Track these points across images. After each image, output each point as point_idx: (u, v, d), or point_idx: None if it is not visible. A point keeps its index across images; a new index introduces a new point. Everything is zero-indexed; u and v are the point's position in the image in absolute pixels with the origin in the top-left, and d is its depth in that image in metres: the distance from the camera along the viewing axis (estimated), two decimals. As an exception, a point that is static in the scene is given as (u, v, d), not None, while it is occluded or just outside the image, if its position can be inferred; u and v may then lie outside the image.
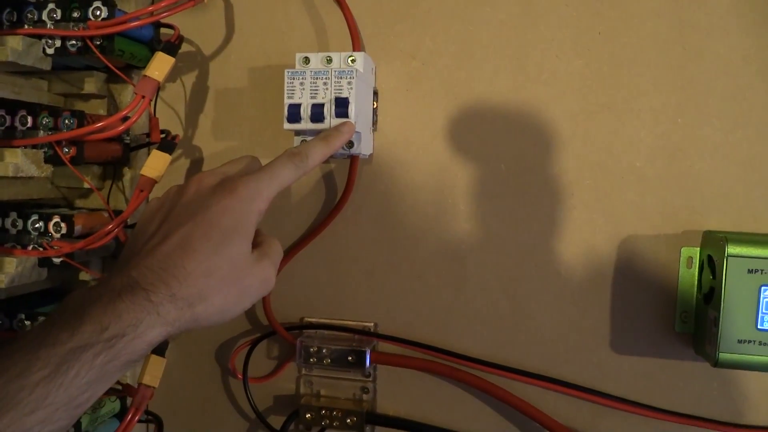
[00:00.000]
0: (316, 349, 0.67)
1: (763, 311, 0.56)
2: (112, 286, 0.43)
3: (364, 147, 0.64)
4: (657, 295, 0.63)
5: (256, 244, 0.50)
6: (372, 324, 0.69)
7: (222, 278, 0.46)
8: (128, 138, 0.70)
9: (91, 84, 0.69)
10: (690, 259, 0.62)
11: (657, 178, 0.62)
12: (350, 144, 0.61)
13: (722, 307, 0.56)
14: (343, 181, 0.67)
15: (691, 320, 0.62)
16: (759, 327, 0.56)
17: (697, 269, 0.62)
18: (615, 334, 0.64)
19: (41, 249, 0.62)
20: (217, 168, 0.52)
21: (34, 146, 0.61)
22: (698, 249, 0.62)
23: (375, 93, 0.67)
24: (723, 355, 0.57)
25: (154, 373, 0.64)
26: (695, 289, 0.62)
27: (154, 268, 0.44)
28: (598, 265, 0.64)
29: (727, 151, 0.61)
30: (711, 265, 0.59)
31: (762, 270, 0.56)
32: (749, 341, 0.56)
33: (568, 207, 0.64)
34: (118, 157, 0.69)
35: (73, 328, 0.40)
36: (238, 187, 0.48)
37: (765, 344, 0.56)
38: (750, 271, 0.56)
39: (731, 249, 0.56)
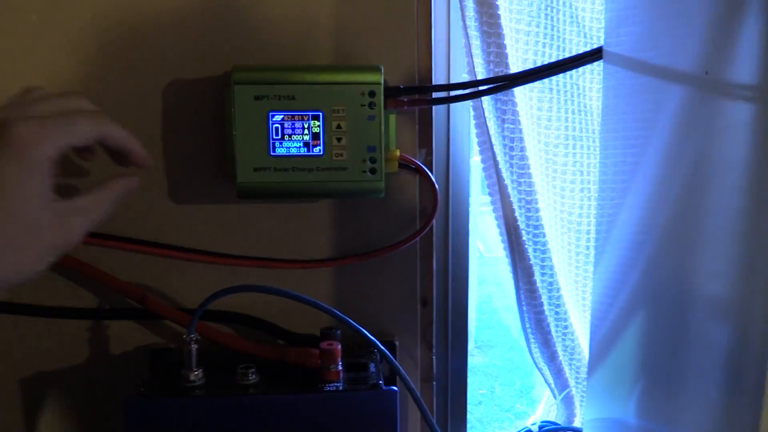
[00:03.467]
0: None
1: (274, 137, 0.56)
2: None
3: None
4: (208, 140, 0.62)
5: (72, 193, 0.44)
6: None
7: (9, 238, 0.40)
8: None
9: None
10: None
11: (194, 19, 0.60)
12: None
13: (236, 136, 0.56)
14: None
15: (242, 162, 0.62)
16: (272, 153, 0.57)
17: (240, 109, 0.61)
18: (172, 183, 0.63)
19: None
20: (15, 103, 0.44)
21: None
22: (240, 89, 0.61)
23: None
24: (242, 185, 0.57)
25: None
26: (242, 130, 0.61)
27: None
28: (145, 113, 0.61)
29: (257, -14, 0.60)
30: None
31: (268, 96, 0.56)
32: (265, 168, 0.57)
33: (108, 52, 0.61)
34: None
35: None
36: (20, 130, 0.41)
37: (279, 170, 0.57)
38: (257, 98, 0.56)
39: (237, 76, 0.56)
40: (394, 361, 0.57)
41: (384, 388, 0.55)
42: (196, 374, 0.56)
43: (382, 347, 0.57)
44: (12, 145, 0.40)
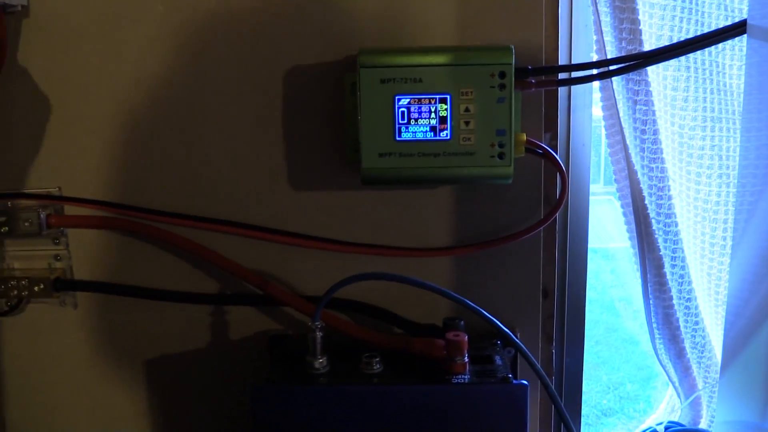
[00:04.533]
0: (-9, 218, 0.64)
1: (400, 121, 0.55)
2: None
3: (5, -8, 0.59)
4: (328, 126, 0.61)
5: None
6: (56, 188, 0.65)
7: None
8: None
9: None
10: (354, 85, 0.60)
11: (314, 2, 0.59)
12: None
13: (361, 121, 0.55)
14: None
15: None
16: (397, 138, 0.55)
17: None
18: (291, 170, 0.62)
19: None
20: None
21: None
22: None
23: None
24: (367, 171, 0.56)
25: None
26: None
27: None
28: (266, 100, 0.61)
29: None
30: (361, 84, 0.57)
31: (394, 79, 0.54)
32: (390, 154, 0.55)
33: (229, 40, 0.61)
34: None
35: None
36: None
37: (405, 155, 0.55)
38: (383, 81, 0.54)
39: (363, 59, 0.54)
40: (530, 356, 0.55)
41: (515, 382, 0.53)
42: (320, 362, 0.55)
43: (518, 341, 0.55)
44: None
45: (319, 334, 0.55)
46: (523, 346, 0.55)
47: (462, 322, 0.58)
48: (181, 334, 0.66)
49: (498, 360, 0.57)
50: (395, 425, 0.54)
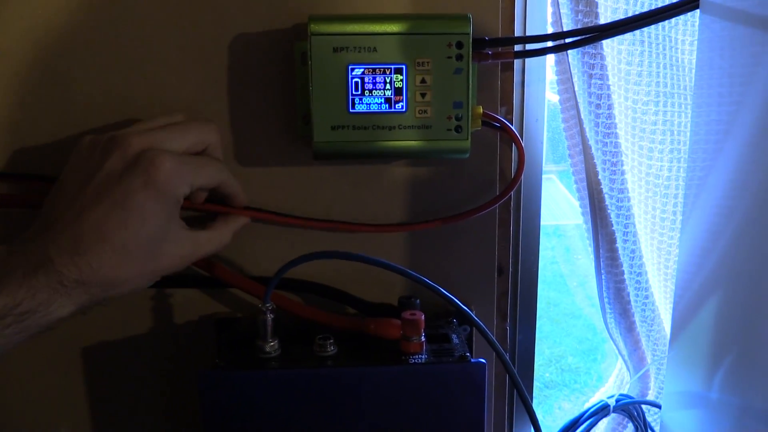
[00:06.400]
0: None
1: (354, 93, 0.52)
2: (28, 259, 0.43)
3: None
4: (277, 98, 0.58)
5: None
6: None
7: (137, 263, 0.47)
8: None
9: None
10: (304, 54, 0.57)
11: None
12: None
13: (313, 92, 0.52)
14: None
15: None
16: (351, 111, 0.53)
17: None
18: (238, 145, 0.59)
19: None
20: (152, 127, 0.50)
21: None
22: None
23: None
24: (319, 145, 0.53)
25: None
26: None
27: (68, 249, 0.44)
28: (210, 70, 0.57)
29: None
30: (311, 53, 0.54)
31: (347, 48, 0.52)
32: (343, 126, 0.53)
33: (169, 4, 0.56)
34: None
35: None
36: (164, 166, 0.46)
37: (359, 128, 0.53)
38: (336, 50, 0.52)
39: (314, 26, 0.51)
40: (490, 334, 0.54)
41: (473, 360, 0.52)
42: (271, 345, 0.53)
43: (477, 320, 0.54)
44: (156, 182, 0.46)
45: (269, 317, 0.53)
46: (482, 324, 0.54)
47: (418, 301, 0.56)
48: (121, 319, 0.63)
49: (455, 338, 0.56)
50: (351, 408, 0.52)
